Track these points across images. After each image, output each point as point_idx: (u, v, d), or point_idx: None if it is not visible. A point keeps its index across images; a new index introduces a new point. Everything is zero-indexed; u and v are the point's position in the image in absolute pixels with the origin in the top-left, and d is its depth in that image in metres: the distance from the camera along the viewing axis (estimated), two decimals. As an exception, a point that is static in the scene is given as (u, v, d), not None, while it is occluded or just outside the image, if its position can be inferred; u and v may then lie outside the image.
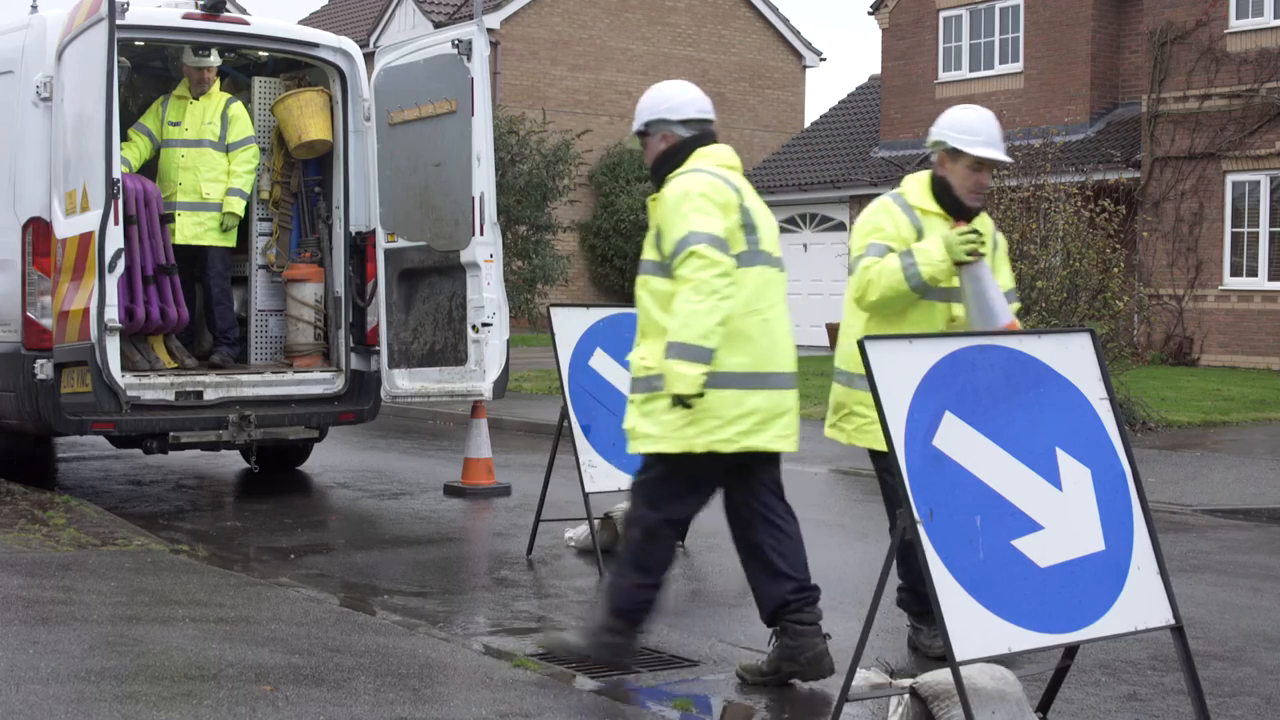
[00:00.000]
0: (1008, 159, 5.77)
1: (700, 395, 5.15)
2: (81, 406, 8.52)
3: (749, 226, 5.42)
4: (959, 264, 5.49)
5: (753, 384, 5.38)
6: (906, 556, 5.37)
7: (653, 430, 5.29)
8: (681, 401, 5.15)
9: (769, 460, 5.55)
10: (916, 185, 5.82)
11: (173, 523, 8.95)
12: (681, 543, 8.25)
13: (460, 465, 10.52)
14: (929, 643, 5.83)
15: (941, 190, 5.73)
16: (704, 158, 5.60)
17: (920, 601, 5.74)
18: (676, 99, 5.66)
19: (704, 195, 5.33)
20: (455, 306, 9.80)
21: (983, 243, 5.53)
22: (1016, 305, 5.95)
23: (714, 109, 5.82)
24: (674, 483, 5.41)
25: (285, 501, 9.57)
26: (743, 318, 5.32)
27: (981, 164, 5.65)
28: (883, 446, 5.01)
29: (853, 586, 7.21)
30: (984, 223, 5.85)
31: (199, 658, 5.27)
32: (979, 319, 5.51)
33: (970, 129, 5.64)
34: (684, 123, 5.64)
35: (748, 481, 5.51)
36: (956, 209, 5.69)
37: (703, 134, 5.67)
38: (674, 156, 5.58)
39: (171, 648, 5.42)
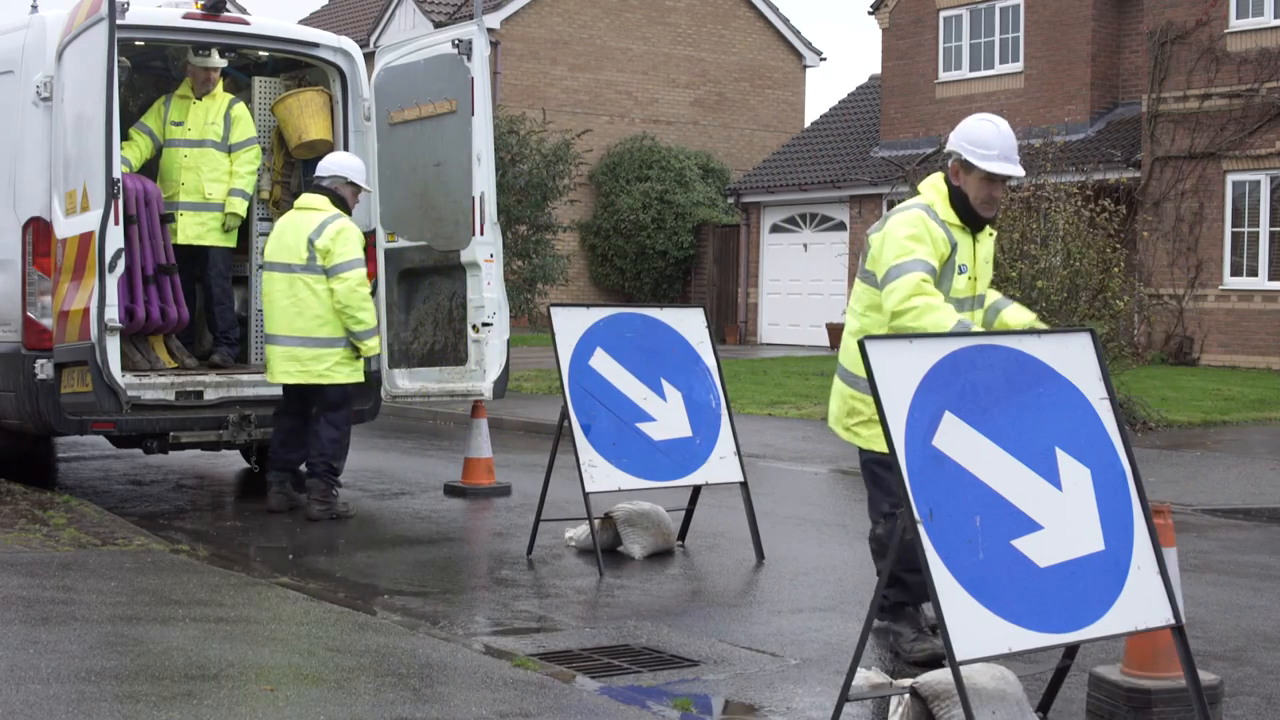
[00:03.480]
0: (1021, 172, 5.81)
1: None
2: (82, 406, 8.52)
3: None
4: None
5: (269, 341, 9.06)
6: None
7: None
8: None
9: (307, 388, 9.08)
10: (939, 198, 5.80)
11: (173, 523, 8.95)
12: (681, 542, 8.26)
13: (460, 465, 10.52)
14: (909, 647, 5.81)
15: (959, 201, 5.77)
16: None
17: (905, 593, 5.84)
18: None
19: None
20: (455, 306, 9.80)
21: None
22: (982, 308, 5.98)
23: (346, 168, 9.24)
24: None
25: (285, 501, 9.56)
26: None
27: (994, 177, 5.70)
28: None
29: (853, 587, 7.21)
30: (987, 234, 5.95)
31: (199, 658, 5.27)
32: None
33: (985, 142, 5.68)
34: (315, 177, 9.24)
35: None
36: (973, 221, 5.78)
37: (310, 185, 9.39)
38: None
39: (171, 648, 5.42)
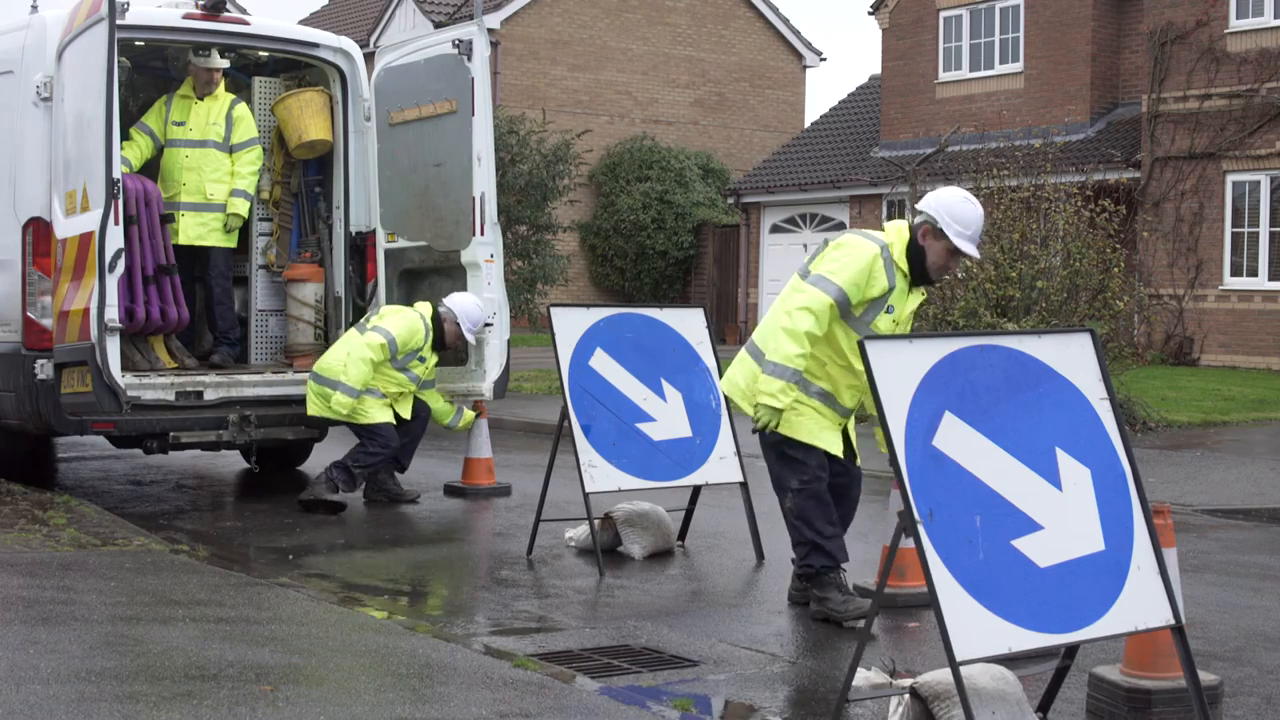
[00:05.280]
0: (978, 256, 6.42)
1: None
2: (82, 406, 8.52)
3: None
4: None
5: None
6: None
7: None
8: None
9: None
10: (899, 242, 6.23)
11: (173, 523, 8.95)
12: (681, 542, 8.26)
13: (460, 465, 10.51)
14: (841, 609, 6.34)
15: (915, 258, 6.21)
16: None
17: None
18: None
19: None
20: (456, 306, 9.80)
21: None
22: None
23: (467, 314, 9.46)
24: None
25: (285, 501, 9.56)
26: None
27: (959, 253, 6.14)
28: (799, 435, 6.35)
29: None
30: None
31: (199, 658, 5.27)
32: None
33: (967, 223, 6.07)
34: None
35: None
36: (918, 276, 6.26)
37: None
38: None
39: (171, 648, 5.43)
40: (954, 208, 6.07)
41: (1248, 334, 20.82)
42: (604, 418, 7.68)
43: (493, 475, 10.27)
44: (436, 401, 9.85)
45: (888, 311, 6.25)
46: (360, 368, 9.23)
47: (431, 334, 9.44)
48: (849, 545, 8.40)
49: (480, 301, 9.50)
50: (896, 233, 6.25)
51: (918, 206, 6.27)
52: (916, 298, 6.39)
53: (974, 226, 6.08)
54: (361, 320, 9.68)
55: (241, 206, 10.06)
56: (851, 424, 6.68)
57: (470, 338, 9.47)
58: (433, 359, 9.58)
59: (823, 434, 6.41)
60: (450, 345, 9.56)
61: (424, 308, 9.53)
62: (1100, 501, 4.52)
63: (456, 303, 9.44)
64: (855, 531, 8.89)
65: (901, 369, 4.34)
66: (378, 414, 9.40)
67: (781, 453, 6.46)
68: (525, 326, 21.45)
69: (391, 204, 10.08)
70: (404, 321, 9.39)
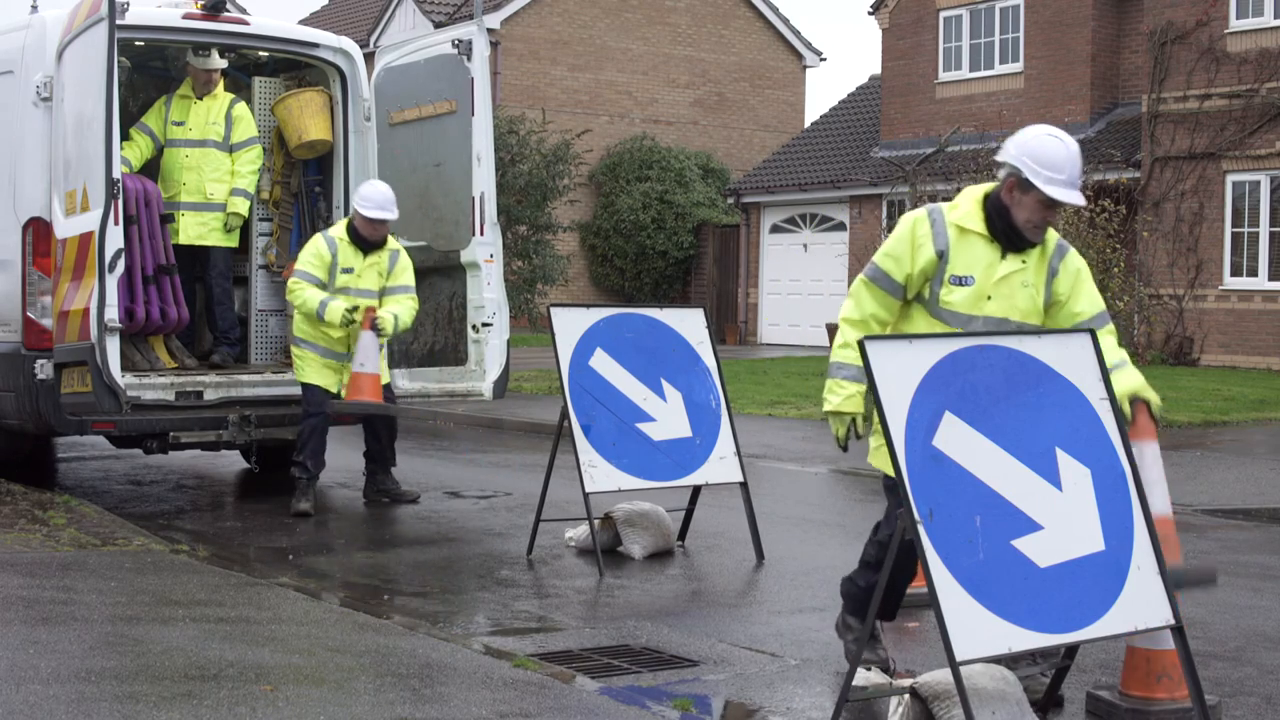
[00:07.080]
0: (1082, 202, 5.21)
1: None
2: (81, 406, 8.52)
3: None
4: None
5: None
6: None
7: None
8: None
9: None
10: (968, 201, 5.27)
11: (173, 523, 8.95)
12: (681, 542, 8.26)
13: (459, 465, 10.50)
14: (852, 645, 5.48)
15: (997, 215, 5.18)
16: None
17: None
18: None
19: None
20: (455, 306, 9.81)
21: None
22: (1109, 328, 5.33)
23: (356, 195, 9.34)
24: None
25: (285, 501, 9.55)
26: None
27: (1053, 203, 5.12)
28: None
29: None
30: (1050, 236, 5.36)
31: (199, 658, 5.27)
32: None
33: (1053, 164, 5.05)
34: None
35: None
36: (1009, 239, 5.18)
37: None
38: None
39: (171, 648, 5.43)
40: (1038, 150, 5.06)
41: (1248, 334, 20.83)
42: (604, 418, 7.68)
43: (378, 393, 9.18)
44: (406, 313, 9.30)
45: (959, 284, 5.18)
46: (297, 320, 9.33)
47: (343, 240, 9.20)
48: (849, 545, 8.42)
49: (378, 180, 9.37)
50: (966, 194, 5.30)
51: (997, 158, 5.28)
52: (1014, 262, 5.20)
53: (1067, 168, 5.05)
54: None
55: (242, 206, 10.06)
56: None
57: (375, 213, 8.99)
58: (364, 263, 9.20)
59: None
60: (372, 238, 9.15)
61: (337, 226, 9.47)
62: (1100, 501, 4.52)
63: (355, 193, 9.37)
64: (855, 531, 8.90)
65: (901, 369, 4.34)
66: (312, 375, 9.30)
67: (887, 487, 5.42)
68: (525, 326, 21.47)
69: (391, 204, 10.07)
70: (304, 251, 9.37)
